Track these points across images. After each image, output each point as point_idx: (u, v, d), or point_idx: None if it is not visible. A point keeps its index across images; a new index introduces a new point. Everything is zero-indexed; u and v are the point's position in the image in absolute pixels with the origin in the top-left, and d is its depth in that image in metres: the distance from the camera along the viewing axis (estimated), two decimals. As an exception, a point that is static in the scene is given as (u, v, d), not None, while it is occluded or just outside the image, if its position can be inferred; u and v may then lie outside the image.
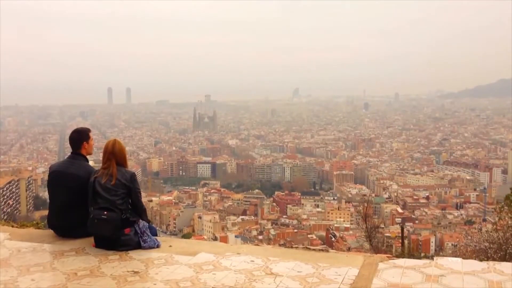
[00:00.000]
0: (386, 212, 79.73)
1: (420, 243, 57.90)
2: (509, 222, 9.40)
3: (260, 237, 64.45)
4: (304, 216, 79.44)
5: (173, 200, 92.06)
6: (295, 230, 69.26)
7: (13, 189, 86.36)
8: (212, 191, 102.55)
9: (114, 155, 4.98)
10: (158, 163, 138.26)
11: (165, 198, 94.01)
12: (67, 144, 5.70)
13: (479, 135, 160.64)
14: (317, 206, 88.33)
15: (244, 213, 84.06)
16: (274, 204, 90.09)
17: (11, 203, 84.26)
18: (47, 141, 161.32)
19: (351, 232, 58.82)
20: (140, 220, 5.01)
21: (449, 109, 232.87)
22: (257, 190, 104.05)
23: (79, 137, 5.41)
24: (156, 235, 5.21)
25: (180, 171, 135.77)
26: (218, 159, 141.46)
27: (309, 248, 5.09)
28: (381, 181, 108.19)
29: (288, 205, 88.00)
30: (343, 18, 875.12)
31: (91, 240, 4.98)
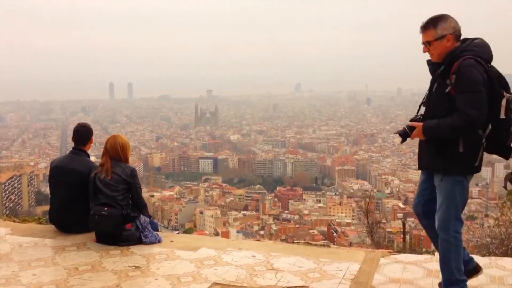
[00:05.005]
0: (388, 207, 79.49)
1: (422, 238, 57.87)
2: (511, 217, 9.38)
3: (262, 232, 64.45)
4: (306, 212, 79.50)
5: (175, 195, 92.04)
6: (297, 226, 69.23)
7: (15, 184, 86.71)
8: (214, 186, 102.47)
9: (107, 150, 5.05)
10: (159, 158, 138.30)
11: (167, 193, 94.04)
12: (69, 140, 5.74)
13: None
14: (319, 201, 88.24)
15: (245, 208, 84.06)
16: (276, 199, 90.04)
17: (13, 198, 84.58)
18: (49, 136, 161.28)
19: (352, 227, 58.74)
20: (141, 216, 5.03)
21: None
22: (258, 186, 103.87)
23: (87, 132, 5.45)
24: (158, 230, 5.23)
25: (182, 166, 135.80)
26: (219, 154, 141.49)
27: (311, 244, 5.10)
28: (383, 176, 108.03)
29: (289, 201, 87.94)
30: (344, 11, 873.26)
31: (92, 235, 4.99)
